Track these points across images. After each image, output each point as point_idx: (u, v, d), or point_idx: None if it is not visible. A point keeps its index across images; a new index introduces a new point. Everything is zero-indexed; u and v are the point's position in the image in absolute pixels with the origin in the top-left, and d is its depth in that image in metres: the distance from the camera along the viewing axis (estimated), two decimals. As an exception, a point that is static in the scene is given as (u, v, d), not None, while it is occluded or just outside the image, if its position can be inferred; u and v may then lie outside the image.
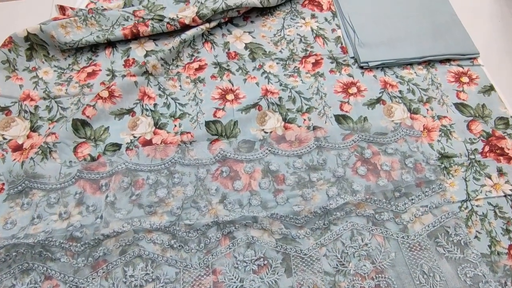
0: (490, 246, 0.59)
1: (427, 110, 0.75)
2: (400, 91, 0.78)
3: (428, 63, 0.82)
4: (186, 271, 0.55)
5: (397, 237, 0.59)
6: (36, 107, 0.73)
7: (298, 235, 0.58)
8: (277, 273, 0.55)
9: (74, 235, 0.56)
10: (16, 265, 0.54)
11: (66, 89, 0.76)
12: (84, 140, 0.68)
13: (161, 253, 0.56)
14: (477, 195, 0.64)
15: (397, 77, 0.80)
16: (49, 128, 0.70)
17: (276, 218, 0.59)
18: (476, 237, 0.60)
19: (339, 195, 0.62)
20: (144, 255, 0.56)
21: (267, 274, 0.55)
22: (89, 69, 0.78)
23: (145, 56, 0.79)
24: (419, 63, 0.82)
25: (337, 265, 0.56)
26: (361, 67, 0.81)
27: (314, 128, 0.71)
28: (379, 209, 0.62)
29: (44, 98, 0.74)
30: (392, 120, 0.73)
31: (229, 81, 0.77)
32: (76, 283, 0.53)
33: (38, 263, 0.54)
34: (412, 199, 0.63)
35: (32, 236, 0.56)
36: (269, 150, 0.67)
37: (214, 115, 0.71)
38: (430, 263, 0.56)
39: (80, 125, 0.68)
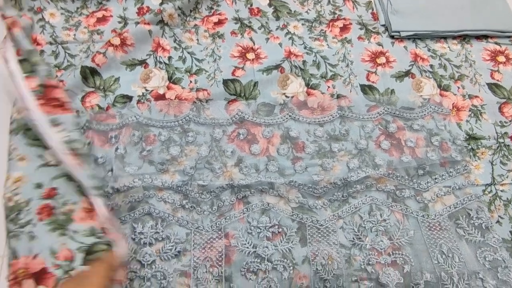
0: None
1: (458, 88, 0.70)
2: (431, 66, 0.73)
3: (464, 38, 0.77)
4: (197, 232, 0.53)
5: (417, 215, 0.57)
6: (42, 51, 0.68)
7: (315, 205, 0.56)
8: (292, 242, 0.53)
9: None
10: None
11: (74, 35, 0.70)
12: (93, 89, 0.63)
13: (172, 213, 0.54)
14: (502, 180, 0.61)
15: (429, 50, 0.75)
16: (57, 76, 0.65)
17: (293, 186, 0.56)
18: (498, 222, 0.58)
19: (360, 168, 0.59)
20: (154, 213, 0.53)
21: (281, 242, 0.53)
22: (99, 14, 0.72)
23: (161, 4, 0.73)
24: (454, 37, 0.76)
25: (353, 238, 0.54)
26: (392, 37, 0.76)
27: (338, 96, 0.66)
28: (400, 186, 0.59)
29: (51, 43, 0.68)
30: (421, 95, 0.68)
31: (251, 39, 0.72)
32: (83, 235, 0.51)
33: None
34: (436, 178, 0.60)
35: None
36: (290, 116, 0.63)
37: (233, 74, 0.66)
38: (449, 244, 0.54)
39: (89, 73, 0.63)
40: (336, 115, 0.64)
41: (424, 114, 0.66)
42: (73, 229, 0.45)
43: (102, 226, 0.46)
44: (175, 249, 0.51)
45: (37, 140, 0.51)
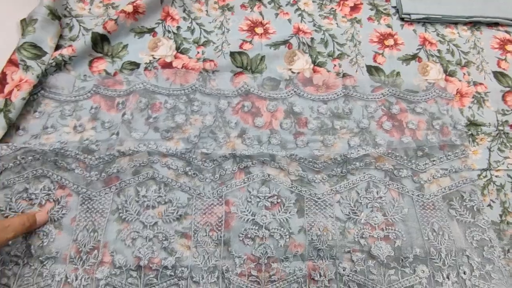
0: (501, 215, 0.59)
1: (464, 74, 0.70)
2: (439, 51, 0.73)
3: (474, 24, 0.76)
4: (199, 198, 0.55)
5: (412, 194, 0.59)
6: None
7: (314, 179, 0.58)
8: (289, 212, 0.55)
9: (90, 148, 0.55)
10: (30, 170, 0.53)
11: (90, 8, 0.69)
12: (100, 55, 0.64)
13: (175, 178, 0.55)
14: (498, 166, 0.63)
15: (438, 35, 0.74)
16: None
17: (294, 159, 0.58)
18: (489, 205, 0.59)
19: (360, 146, 0.60)
20: (158, 178, 0.55)
21: (279, 211, 0.55)
22: (112, -16, 0.71)
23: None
24: (465, 23, 0.76)
25: (349, 212, 0.56)
26: (402, 19, 0.75)
27: (344, 75, 0.67)
28: (398, 165, 0.60)
29: (65, 16, 0.68)
30: (426, 79, 0.69)
31: (260, 13, 0.71)
32: (89, 195, 0.53)
33: (53, 171, 0.54)
34: (434, 161, 0.61)
35: (47, 145, 0.55)
36: (294, 91, 0.64)
37: (241, 47, 0.67)
38: (441, 223, 0.56)
39: (99, 40, 0.63)
40: (340, 94, 0.65)
41: (428, 98, 0.67)
42: None
43: None
44: (177, 212, 0.53)
45: None
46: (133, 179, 0.55)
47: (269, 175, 0.57)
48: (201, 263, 0.51)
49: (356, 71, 0.68)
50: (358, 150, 0.60)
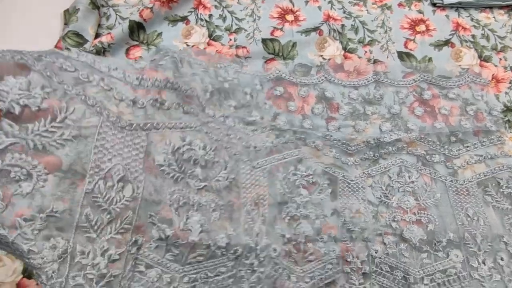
0: (540, 203, 0.57)
1: (500, 59, 0.69)
2: (473, 36, 0.71)
3: (511, 8, 0.74)
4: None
5: (445, 179, 0.58)
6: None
7: (347, 162, 0.58)
8: (324, 193, 0.55)
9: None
10: None
11: None
12: (137, 43, 0.66)
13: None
14: (536, 153, 0.61)
15: (472, 20, 0.73)
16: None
17: (328, 140, 0.58)
18: (527, 192, 0.58)
19: (392, 131, 0.60)
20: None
21: (314, 191, 0.56)
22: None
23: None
24: (501, 7, 0.74)
25: (381, 196, 0.56)
26: (434, 4, 0.74)
27: (375, 61, 0.66)
28: (431, 151, 0.60)
29: (102, 5, 0.71)
30: (459, 65, 0.67)
31: (290, 1, 0.72)
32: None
33: None
34: (468, 147, 0.60)
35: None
36: (326, 77, 0.64)
37: (272, 34, 0.68)
38: (475, 208, 0.56)
39: (135, 28, 0.66)
40: (371, 80, 0.64)
41: (461, 84, 0.65)
42: None
43: None
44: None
45: None
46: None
47: (304, 154, 0.58)
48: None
49: (387, 57, 0.68)
50: (391, 135, 0.59)
